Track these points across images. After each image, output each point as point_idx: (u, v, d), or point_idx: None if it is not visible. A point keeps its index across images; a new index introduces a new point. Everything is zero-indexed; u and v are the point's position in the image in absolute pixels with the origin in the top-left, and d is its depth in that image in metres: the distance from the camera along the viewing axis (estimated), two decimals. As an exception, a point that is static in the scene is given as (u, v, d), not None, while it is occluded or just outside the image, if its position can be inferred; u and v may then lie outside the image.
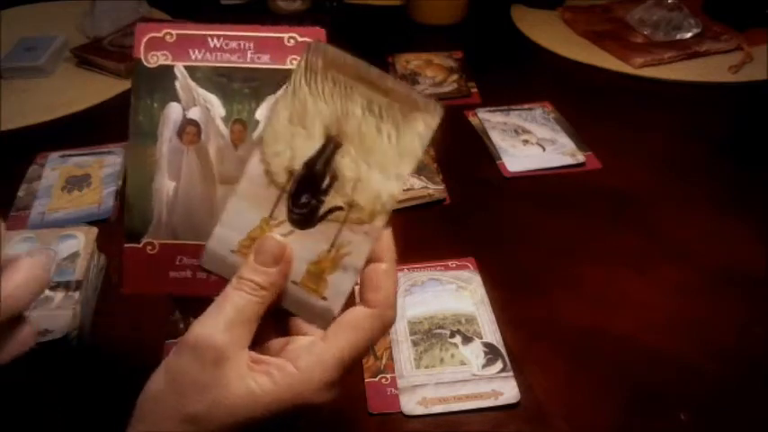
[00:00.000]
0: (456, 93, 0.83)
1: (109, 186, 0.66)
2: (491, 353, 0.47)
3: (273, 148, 0.32)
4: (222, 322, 0.29)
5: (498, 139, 0.73)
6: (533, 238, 0.60)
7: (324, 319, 0.32)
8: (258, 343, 0.32)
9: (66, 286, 0.50)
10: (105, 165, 0.69)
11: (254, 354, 0.30)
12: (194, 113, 0.34)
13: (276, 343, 0.32)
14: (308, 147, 0.32)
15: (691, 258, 0.57)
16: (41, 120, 0.79)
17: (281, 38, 0.35)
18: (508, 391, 0.45)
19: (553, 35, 0.99)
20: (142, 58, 0.34)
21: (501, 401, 0.44)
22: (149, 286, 0.35)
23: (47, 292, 0.50)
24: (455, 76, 0.86)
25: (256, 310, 0.31)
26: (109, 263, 0.57)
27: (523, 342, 0.49)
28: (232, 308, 0.30)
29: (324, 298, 0.32)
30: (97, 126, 0.73)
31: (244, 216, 0.32)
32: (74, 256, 0.53)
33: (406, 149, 0.32)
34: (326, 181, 0.32)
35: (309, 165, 0.32)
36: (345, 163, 0.32)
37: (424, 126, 0.33)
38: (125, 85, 0.85)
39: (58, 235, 0.55)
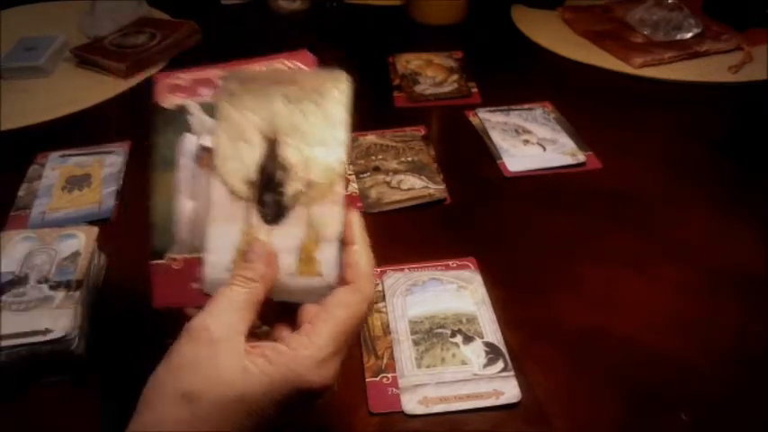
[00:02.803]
0: (456, 93, 0.83)
1: (109, 186, 0.66)
2: (492, 352, 0.48)
3: (226, 168, 0.37)
4: (215, 310, 0.32)
5: (499, 139, 0.73)
6: (534, 238, 0.60)
7: (328, 293, 0.35)
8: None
9: (67, 285, 0.50)
10: (106, 164, 0.69)
11: (251, 342, 0.32)
12: (207, 140, 0.38)
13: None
14: (254, 154, 0.36)
15: (691, 258, 0.57)
16: (41, 120, 0.79)
17: (277, 68, 0.39)
18: (509, 390, 0.45)
19: (553, 35, 0.99)
20: (160, 101, 0.39)
21: (502, 401, 0.44)
22: (176, 299, 0.37)
23: (47, 290, 0.50)
24: (455, 76, 0.86)
25: (247, 299, 0.33)
26: (109, 262, 0.57)
27: (524, 342, 0.49)
28: (223, 298, 0.33)
29: (320, 274, 0.35)
30: (97, 126, 0.73)
31: (225, 236, 0.36)
32: (74, 256, 0.53)
33: (334, 117, 0.37)
34: (280, 175, 0.36)
35: (261, 169, 0.36)
36: (289, 153, 0.36)
37: (338, 92, 0.37)
38: (125, 84, 0.85)
39: (59, 234, 0.55)
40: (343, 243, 0.35)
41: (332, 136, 0.36)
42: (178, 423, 0.29)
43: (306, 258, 0.36)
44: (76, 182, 0.67)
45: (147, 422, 0.30)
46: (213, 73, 0.39)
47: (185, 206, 0.38)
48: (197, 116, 0.39)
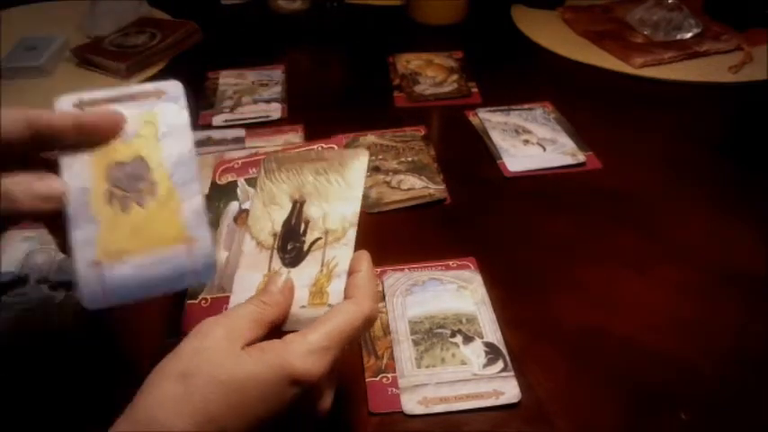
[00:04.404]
0: (456, 93, 0.83)
1: (189, 193, 0.36)
2: (492, 352, 0.48)
3: (257, 227, 0.42)
4: (226, 316, 0.35)
5: (499, 139, 0.73)
6: (534, 238, 0.60)
7: None
8: None
9: (67, 286, 0.50)
10: (162, 130, 0.37)
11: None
12: (247, 205, 0.46)
13: None
14: (282, 214, 0.42)
15: (691, 258, 0.57)
16: (42, 119, 0.79)
17: (313, 148, 0.46)
18: (509, 390, 0.45)
19: (553, 35, 0.99)
20: (216, 179, 0.49)
21: (502, 401, 0.44)
22: None
23: (47, 291, 0.50)
24: (455, 76, 0.86)
25: (257, 318, 0.35)
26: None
27: (524, 342, 0.49)
28: (235, 311, 0.36)
29: (329, 305, 0.38)
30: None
31: (249, 281, 0.40)
32: (74, 256, 0.53)
33: (353, 182, 0.42)
34: (302, 227, 0.41)
35: (286, 223, 0.42)
36: (312, 211, 0.42)
37: (359, 163, 0.43)
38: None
39: (59, 235, 0.55)
40: (350, 272, 0.39)
41: (350, 195, 0.42)
42: (171, 398, 0.31)
43: (317, 292, 0.39)
44: (125, 181, 0.36)
45: (145, 402, 0.31)
46: (262, 157, 0.46)
47: (221, 256, 0.45)
48: (242, 187, 0.48)
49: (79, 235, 0.35)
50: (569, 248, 0.59)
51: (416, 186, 0.66)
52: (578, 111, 0.78)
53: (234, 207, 0.47)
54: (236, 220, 0.46)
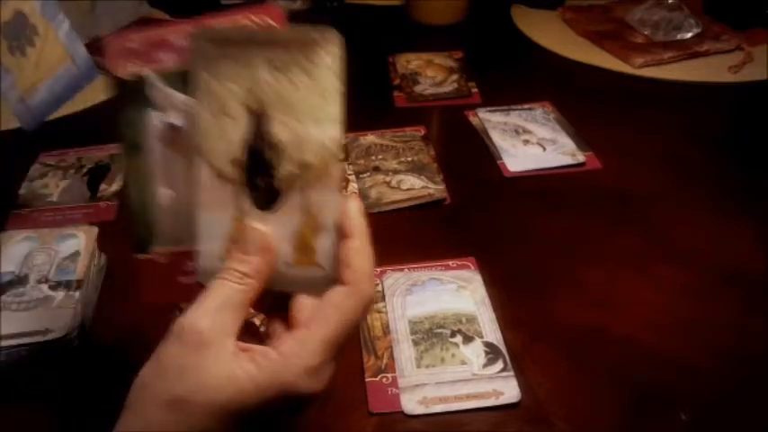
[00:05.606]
0: (456, 93, 0.83)
1: (58, 22, 0.52)
2: (492, 352, 0.48)
3: (210, 146, 0.32)
4: (206, 310, 0.30)
5: (499, 139, 0.73)
6: (534, 238, 0.60)
7: (326, 285, 0.32)
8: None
9: (67, 286, 0.51)
10: None
11: (241, 343, 0.31)
12: (174, 118, 0.33)
13: None
14: (239, 131, 0.32)
15: (691, 258, 0.57)
16: (41, 119, 0.79)
17: (251, 25, 0.35)
18: (509, 390, 0.45)
19: (553, 35, 0.99)
20: (115, 69, 0.34)
21: (501, 401, 0.44)
22: (165, 294, 0.35)
23: (47, 290, 0.50)
24: (455, 76, 0.86)
25: (242, 298, 0.31)
26: (109, 262, 0.57)
27: (524, 342, 0.49)
28: (216, 296, 0.31)
29: (318, 264, 0.33)
30: (96, 126, 0.73)
31: (216, 224, 0.33)
32: (74, 256, 0.53)
33: (325, 88, 0.32)
34: (270, 154, 0.32)
35: (249, 148, 0.32)
36: (278, 129, 0.32)
37: (330, 57, 0.32)
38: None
39: (59, 234, 0.55)
40: (340, 235, 0.32)
41: (325, 111, 0.32)
42: (168, 427, 0.29)
43: (301, 246, 0.32)
44: (15, 34, 0.48)
45: (134, 427, 0.29)
46: (171, 33, 0.33)
47: (163, 195, 0.34)
48: (159, 88, 0.33)
49: (4, 84, 0.48)
50: (569, 248, 0.59)
51: (416, 186, 0.66)
52: (578, 111, 0.78)
53: (157, 121, 0.33)
54: (165, 142, 0.33)
